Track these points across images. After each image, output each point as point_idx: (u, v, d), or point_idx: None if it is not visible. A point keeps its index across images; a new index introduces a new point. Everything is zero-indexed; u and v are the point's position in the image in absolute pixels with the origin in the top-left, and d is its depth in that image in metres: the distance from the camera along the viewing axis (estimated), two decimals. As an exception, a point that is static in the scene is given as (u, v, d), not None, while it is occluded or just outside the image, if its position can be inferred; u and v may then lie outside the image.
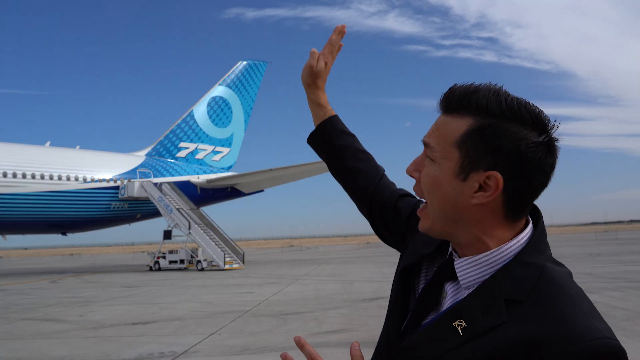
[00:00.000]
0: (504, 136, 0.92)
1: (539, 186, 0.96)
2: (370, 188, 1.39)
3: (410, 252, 1.16)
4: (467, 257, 0.98)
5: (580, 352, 0.81)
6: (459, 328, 0.91)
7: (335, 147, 1.46)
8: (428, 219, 1.01)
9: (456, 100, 0.97)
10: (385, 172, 1.46)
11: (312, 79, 1.46)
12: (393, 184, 1.43)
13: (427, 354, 0.94)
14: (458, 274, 0.98)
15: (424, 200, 1.02)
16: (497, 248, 0.95)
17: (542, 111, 0.95)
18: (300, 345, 1.01)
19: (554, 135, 0.95)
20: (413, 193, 1.09)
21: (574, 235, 77.73)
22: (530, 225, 0.99)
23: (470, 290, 0.96)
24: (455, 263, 0.99)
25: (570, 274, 0.97)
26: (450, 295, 1.00)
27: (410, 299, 1.09)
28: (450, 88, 1.00)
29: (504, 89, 0.96)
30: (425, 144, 1.00)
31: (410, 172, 1.03)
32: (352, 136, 1.48)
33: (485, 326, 0.89)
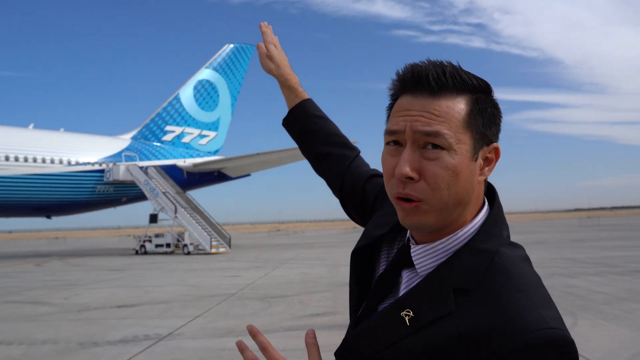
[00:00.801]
0: (493, 107, 0.94)
1: None
2: (340, 171, 1.39)
3: (365, 234, 1.12)
4: (423, 245, 0.95)
5: (523, 345, 0.79)
6: (407, 318, 0.89)
7: (307, 131, 1.46)
8: (428, 215, 0.91)
9: (450, 81, 0.90)
10: (363, 154, 1.46)
11: (270, 62, 1.50)
12: (366, 165, 1.43)
13: (375, 344, 0.91)
14: (414, 261, 0.96)
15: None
16: (451, 235, 0.93)
17: None
18: (252, 334, 0.98)
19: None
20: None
21: (557, 222, 78.78)
22: (485, 208, 0.97)
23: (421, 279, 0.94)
24: (411, 250, 0.97)
25: (525, 258, 0.95)
26: (405, 282, 0.97)
27: (370, 282, 1.07)
28: (425, 69, 0.92)
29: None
30: (431, 134, 0.89)
31: (412, 173, 0.89)
32: (325, 119, 1.48)
33: (432, 317, 0.87)
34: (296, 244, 36.52)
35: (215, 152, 40.48)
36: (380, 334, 0.91)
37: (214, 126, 40.69)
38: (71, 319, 8.68)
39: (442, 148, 0.88)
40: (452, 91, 0.90)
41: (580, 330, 6.54)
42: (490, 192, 1.01)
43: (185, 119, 38.94)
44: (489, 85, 0.94)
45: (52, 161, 30.80)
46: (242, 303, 9.89)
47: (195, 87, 39.57)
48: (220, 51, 41.10)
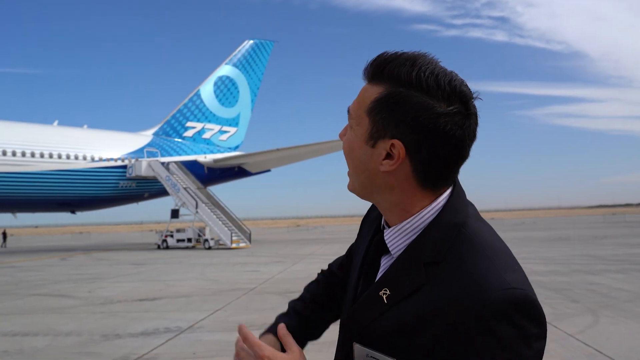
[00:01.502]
0: (407, 106, 0.92)
1: (449, 158, 0.95)
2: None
3: (358, 238, 1.23)
4: (393, 227, 1.01)
5: (485, 305, 0.84)
6: (384, 297, 0.95)
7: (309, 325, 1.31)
8: (350, 180, 1.04)
9: (371, 69, 0.98)
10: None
11: None
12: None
13: (358, 325, 0.99)
14: (388, 244, 1.01)
15: None
16: (417, 214, 0.98)
17: (459, 83, 0.94)
18: (243, 336, 1.04)
19: (473, 107, 0.95)
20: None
21: (581, 218, 77.49)
22: (448, 190, 1.00)
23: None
24: (385, 235, 1.02)
25: (491, 231, 0.98)
26: (382, 267, 1.02)
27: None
28: (376, 56, 0.99)
29: (429, 59, 0.95)
30: (348, 111, 1.03)
31: (340, 136, 1.06)
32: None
33: (407, 291, 0.93)
34: (316, 239, 36.60)
35: (236, 148, 40.74)
36: (366, 313, 0.98)
37: (234, 122, 40.95)
38: (94, 312, 8.87)
39: (350, 125, 1.01)
40: (374, 80, 0.98)
41: (602, 328, 6.45)
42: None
43: (206, 115, 39.26)
44: (421, 84, 0.92)
45: (77, 157, 31.39)
46: (262, 297, 9.96)
47: (215, 84, 39.85)
48: (240, 47, 41.30)
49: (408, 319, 0.91)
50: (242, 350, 1.04)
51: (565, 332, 6.26)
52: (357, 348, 0.98)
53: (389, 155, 0.95)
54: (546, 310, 7.22)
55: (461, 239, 0.93)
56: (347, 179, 1.08)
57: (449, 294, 0.88)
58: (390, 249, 1.01)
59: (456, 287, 0.88)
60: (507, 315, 0.84)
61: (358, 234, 1.26)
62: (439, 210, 0.98)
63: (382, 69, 0.96)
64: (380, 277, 1.00)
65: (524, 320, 0.85)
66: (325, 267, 1.44)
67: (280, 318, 1.27)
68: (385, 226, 1.04)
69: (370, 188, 1.01)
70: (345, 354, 1.03)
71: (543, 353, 0.90)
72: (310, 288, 1.36)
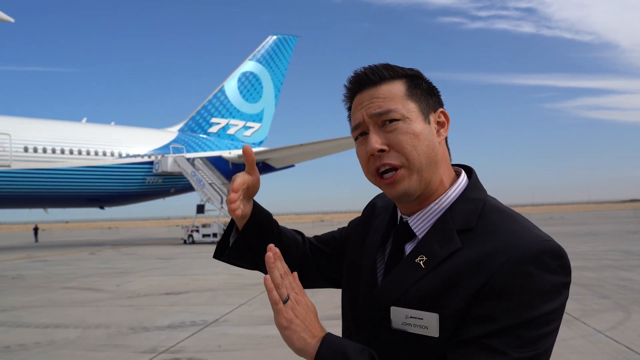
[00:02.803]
0: (427, 84, 1.14)
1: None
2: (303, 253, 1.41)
3: (362, 225, 1.32)
4: (418, 212, 1.11)
5: (524, 254, 0.95)
6: (421, 262, 1.04)
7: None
8: (406, 179, 1.07)
9: (385, 71, 1.11)
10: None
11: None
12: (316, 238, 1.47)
13: (396, 291, 1.05)
14: (415, 230, 1.11)
15: (393, 170, 1.08)
16: (442, 195, 1.10)
17: None
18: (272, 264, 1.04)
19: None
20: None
21: (612, 212, 75.76)
22: (463, 175, 1.15)
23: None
24: (409, 222, 1.12)
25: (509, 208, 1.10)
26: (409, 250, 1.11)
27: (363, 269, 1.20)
28: (363, 70, 1.13)
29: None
30: (383, 113, 1.08)
31: (381, 146, 1.07)
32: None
33: (443, 255, 1.02)
34: (340, 234, 36.55)
35: (260, 143, 40.94)
36: (403, 280, 1.05)
37: (258, 117, 41.14)
38: (122, 305, 9.04)
39: (397, 120, 1.07)
40: (388, 79, 1.10)
41: (634, 325, 6.30)
42: (468, 171, 1.18)
43: (230, 111, 39.53)
44: (419, 71, 1.15)
45: (104, 154, 31.96)
46: (286, 292, 10.01)
47: (239, 80, 40.06)
48: (263, 43, 41.40)
49: (447, 276, 0.99)
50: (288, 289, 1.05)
51: (594, 329, 6.13)
52: (395, 310, 1.04)
53: (439, 125, 1.12)
54: (574, 306, 7.09)
55: (489, 208, 1.07)
56: None
57: (487, 250, 0.98)
58: (416, 233, 1.10)
59: (493, 244, 0.98)
60: (544, 262, 0.95)
61: (362, 220, 1.34)
62: (463, 189, 1.11)
63: (391, 69, 1.11)
64: (413, 248, 1.08)
65: (557, 268, 0.96)
66: None
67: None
68: (404, 216, 1.14)
69: (434, 168, 1.09)
70: (374, 327, 1.08)
71: (566, 304, 0.99)
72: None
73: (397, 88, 1.09)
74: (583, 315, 6.84)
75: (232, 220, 1.33)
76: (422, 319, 1.00)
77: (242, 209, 1.21)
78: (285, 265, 1.07)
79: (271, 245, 1.06)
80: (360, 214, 1.40)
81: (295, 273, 1.10)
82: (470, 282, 0.97)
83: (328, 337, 1.02)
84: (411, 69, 1.14)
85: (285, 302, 1.02)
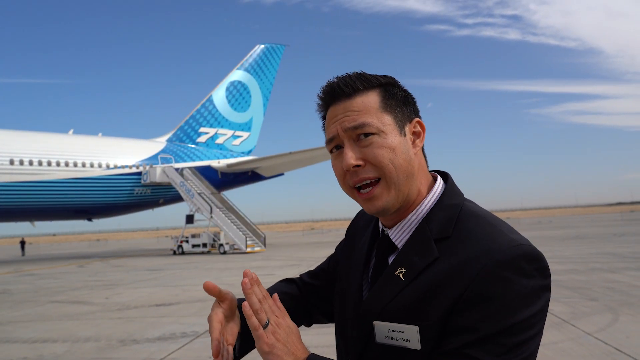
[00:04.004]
0: (402, 92, 1.12)
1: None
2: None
3: (346, 245, 1.32)
4: (398, 224, 1.11)
5: (499, 260, 0.95)
6: (401, 275, 1.04)
7: None
8: (385, 194, 1.06)
9: (359, 82, 1.09)
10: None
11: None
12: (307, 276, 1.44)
13: (378, 306, 1.05)
14: (395, 242, 1.11)
15: (368, 186, 1.07)
16: (417, 207, 1.10)
17: None
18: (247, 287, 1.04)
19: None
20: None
21: (599, 216, 76.44)
22: (439, 180, 1.14)
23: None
24: (390, 235, 1.12)
25: (486, 210, 1.11)
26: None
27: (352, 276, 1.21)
28: (336, 81, 1.10)
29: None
30: (358, 127, 1.06)
31: (356, 162, 1.05)
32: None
33: (422, 266, 1.02)
34: (330, 241, 36.55)
35: (249, 152, 40.90)
36: (384, 294, 1.05)
37: (246, 126, 41.11)
38: (112, 318, 8.95)
39: (372, 134, 1.05)
40: (362, 90, 1.08)
41: (622, 326, 6.36)
42: (444, 176, 1.18)
43: (219, 121, 39.47)
44: (394, 78, 1.13)
45: (92, 165, 31.73)
46: (277, 301, 9.97)
47: (227, 89, 40.06)
48: (251, 52, 41.48)
49: (426, 287, 0.99)
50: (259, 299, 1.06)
51: (583, 331, 6.18)
52: (378, 325, 1.04)
53: (415, 135, 1.11)
54: (564, 309, 7.14)
55: (464, 214, 1.06)
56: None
57: (464, 257, 0.98)
58: (397, 245, 1.10)
59: (469, 251, 0.98)
60: (520, 266, 0.95)
61: (346, 242, 1.34)
62: (439, 195, 1.11)
63: (365, 79, 1.09)
64: (393, 260, 1.08)
65: (534, 272, 0.96)
66: None
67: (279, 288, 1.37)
68: (385, 229, 1.14)
69: (411, 180, 1.08)
70: (363, 343, 1.07)
71: (548, 306, 0.99)
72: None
73: (371, 100, 1.07)
74: (572, 318, 6.89)
75: None
76: (403, 332, 1.00)
77: (230, 355, 1.12)
78: (264, 289, 1.08)
79: (247, 271, 1.06)
80: (349, 222, 1.40)
81: (276, 295, 1.11)
82: (448, 291, 0.96)
83: (312, 358, 1.02)
84: (385, 77, 1.12)
85: (265, 327, 1.02)
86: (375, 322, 1.04)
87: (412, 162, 1.08)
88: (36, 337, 7.50)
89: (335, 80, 1.11)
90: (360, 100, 1.07)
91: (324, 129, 1.16)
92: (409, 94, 1.14)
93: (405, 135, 1.08)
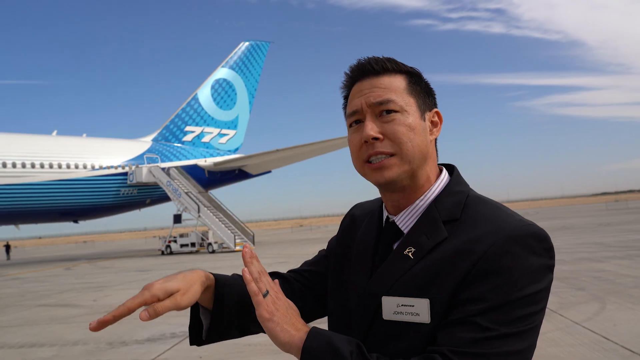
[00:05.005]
0: (426, 83, 1.16)
1: None
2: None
3: (351, 231, 1.30)
4: (404, 210, 1.13)
5: (510, 235, 0.98)
6: (410, 254, 1.06)
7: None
8: (397, 166, 1.08)
9: (389, 64, 1.12)
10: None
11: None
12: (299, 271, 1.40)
13: (387, 282, 1.06)
14: (401, 227, 1.12)
15: (383, 156, 1.08)
16: (427, 191, 1.12)
17: None
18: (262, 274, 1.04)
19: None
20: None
21: (584, 206, 77.36)
22: (444, 172, 1.18)
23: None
24: (396, 221, 1.14)
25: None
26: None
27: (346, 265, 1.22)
28: (367, 59, 1.14)
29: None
30: (383, 102, 1.08)
31: (376, 134, 1.07)
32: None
33: (431, 245, 1.04)
34: (319, 238, 36.60)
35: (235, 150, 40.74)
36: (393, 271, 1.07)
37: (232, 124, 40.94)
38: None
39: (395, 111, 1.08)
40: (390, 72, 1.12)
41: (609, 315, 6.43)
42: (450, 168, 1.21)
43: (205, 119, 39.25)
44: (420, 71, 1.17)
45: (77, 166, 31.39)
46: (267, 299, 9.95)
47: (212, 87, 39.84)
48: (236, 49, 41.27)
49: (436, 264, 1.02)
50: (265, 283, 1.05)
51: (571, 320, 6.24)
52: (387, 300, 1.05)
53: (432, 124, 1.15)
54: (552, 299, 7.17)
55: (473, 199, 1.10)
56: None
57: (474, 236, 1.01)
58: (403, 230, 1.12)
59: (479, 230, 1.01)
60: (529, 244, 0.98)
61: (341, 234, 1.33)
62: (446, 183, 1.14)
63: (394, 63, 1.13)
64: (401, 240, 1.10)
65: (542, 250, 0.99)
66: None
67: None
68: (391, 216, 1.16)
69: (423, 162, 1.11)
70: (368, 321, 1.08)
71: (551, 286, 1.02)
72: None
73: (398, 81, 1.11)
74: (560, 308, 6.96)
75: (193, 307, 1.21)
76: (413, 305, 1.01)
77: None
78: (262, 267, 1.06)
79: (246, 245, 1.07)
80: (338, 218, 1.38)
81: (277, 280, 1.10)
82: (458, 266, 0.99)
83: (314, 330, 1.01)
84: (412, 68, 1.16)
85: (265, 295, 1.01)
86: (384, 298, 1.05)
87: (428, 146, 1.11)
88: (23, 341, 7.40)
89: (365, 58, 1.14)
90: (387, 79, 1.11)
91: (344, 108, 1.19)
92: (431, 87, 1.18)
93: (425, 121, 1.12)
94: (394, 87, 1.10)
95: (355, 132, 1.12)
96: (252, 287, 1.00)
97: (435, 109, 1.16)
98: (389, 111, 1.08)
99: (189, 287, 1.08)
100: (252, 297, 1.00)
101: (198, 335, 1.23)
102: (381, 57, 1.14)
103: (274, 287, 1.06)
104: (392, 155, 1.07)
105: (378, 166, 1.08)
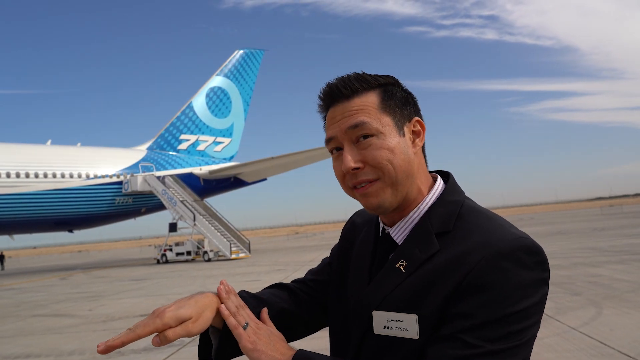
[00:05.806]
0: (403, 92, 1.12)
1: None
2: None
3: (350, 241, 1.29)
4: (398, 223, 1.12)
5: (499, 250, 0.96)
6: (401, 267, 1.05)
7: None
8: (381, 190, 1.06)
9: (357, 84, 1.09)
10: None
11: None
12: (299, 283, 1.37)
13: (378, 296, 1.06)
14: (396, 239, 1.11)
15: (366, 182, 1.06)
16: (420, 203, 1.11)
17: None
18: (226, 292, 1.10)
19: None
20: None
21: (579, 212, 77.63)
22: (439, 180, 1.15)
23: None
24: (391, 233, 1.13)
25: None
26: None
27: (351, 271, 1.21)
28: (335, 83, 1.11)
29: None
30: (357, 126, 1.06)
31: (355, 164, 1.06)
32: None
33: (423, 258, 1.03)
34: (315, 245, 36.54)
35: (231, 158, 40.72)
36: (384, 285, 1.06)
37: (227, 132, 40.94)
38: (96, 330, 8.81)
39: (371, 135, 1.06)
40: (361, 92, 1.09)
41: (605, 320, 6.45)
42: (446, 175, 1.19)
43: (199, 127, 39.24)
44: (395, 78, 1.14)
45: (71, 176, 31.28)
46: (264, 307, 9.92)
47: (207, 95, 39.86)
48: (230, 57, 41.35)
49: (427, 278, 1.00)
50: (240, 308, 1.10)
51: (568, 326, 6.25)
52: (377, 314, 1.04)
53: (415, 134, 1.11)
54: (548, 304, 7.17)
55: (466, 209, 1.08)
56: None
57: (464, 248, 0.99)
58: (397, 242, 1.11)
59: (470, 243, 0.99)
60: (519, 258, 0.96)
61: (342, 242, 1.32)
62: (440, 192, 1.12)
63: (364, 80, 1.09)
64: (394, 254, 1.09)
65: (533, 264, 0.97)
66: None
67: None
68: (386, 227, 1.15)
69: (410, 180, 1.08)
70: (361, 334, 1.08)
71: (546, 299, 1.00)
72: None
73: (370, 101, 1.08)
74: (557, 313, 6.98)
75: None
76: (402, 321, 1.01)
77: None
78: (240, 301, 1.10)
79: (223, 280, 1.11)
80: (334, 225, 1.38)
81: (265, 309, 1.16)
82: (447, 280, 0.98)
83: (299, 352, 1.02)
84: (385, 77, 1.12)
85: (245, 327, 1.04)
86: (374, 312, 1.05)
87: (412, 162, 1.08)
88: (19, 352, 7.35)
89: (334, 81, 1.11)
90: (358, 100, 1.08)
91: (325, 129, 1.17)
92: (410, 93, 1.14)
93: (404, 135, 1.09)
94: (367, 108, 1.07)
95: (337, 160, 1.11)
96: (230, 321, 1.04)
97: (415, 118, 1.12)
98: (365, 136, 1.06)
99: (201, 314, 1.07)
100: (233, 330, 1.04)
101: (207, 354, 1.20)
102: (350, 75, 1.11)
103: (254, 317, 1.10)
104: (376, 180, 1.06)
105: (363, 192, 1.07)
